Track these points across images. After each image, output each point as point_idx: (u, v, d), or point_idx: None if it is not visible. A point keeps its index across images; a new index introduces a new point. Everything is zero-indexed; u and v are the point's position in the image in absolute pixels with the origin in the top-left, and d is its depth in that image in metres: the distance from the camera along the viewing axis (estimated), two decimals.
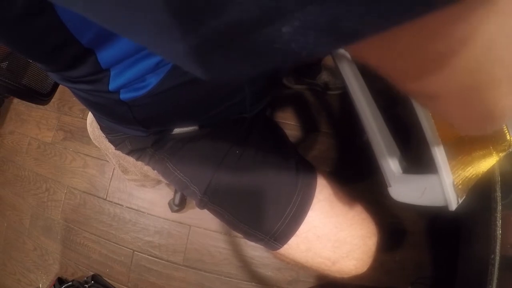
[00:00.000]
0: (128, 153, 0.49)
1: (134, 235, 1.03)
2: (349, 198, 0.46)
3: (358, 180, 0.94)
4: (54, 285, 1.01)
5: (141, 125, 0.40)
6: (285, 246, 0.43)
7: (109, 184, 1.08)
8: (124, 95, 0.33)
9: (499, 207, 0.48)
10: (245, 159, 0.44)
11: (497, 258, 0.47)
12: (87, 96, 0.36)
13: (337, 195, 0.45)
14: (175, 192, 0.98)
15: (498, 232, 0.48)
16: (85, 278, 1.00)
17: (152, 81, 0.31)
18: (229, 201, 0.45)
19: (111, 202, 1.07)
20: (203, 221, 0.99)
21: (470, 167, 0.30)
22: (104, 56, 0.28)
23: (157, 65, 0.30)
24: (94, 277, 1.00)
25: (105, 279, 1.01)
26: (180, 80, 0.32)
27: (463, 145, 0.31)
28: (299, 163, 0.46)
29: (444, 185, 0.28)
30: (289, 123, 1.02)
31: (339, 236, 0.43)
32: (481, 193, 0.55)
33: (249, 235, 0.46)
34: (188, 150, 0.45)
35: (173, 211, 0.98)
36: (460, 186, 0.29)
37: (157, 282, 0.99)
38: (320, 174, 0.46)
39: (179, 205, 0.97)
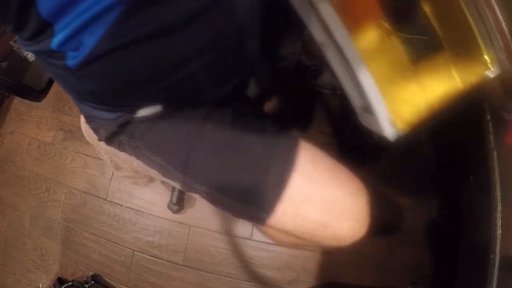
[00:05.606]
0: (107, 143, 0.48)
1: (134, 235, 1.03)
2: (333, 160, 0.45)
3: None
4: (54, 285, 1.01)
5: (98, 100, 0.42)
6: (273, 215, 0.41)
7: (109, 184, 1.08)
8: (69, 61, 0.34)
9: (499, 207, 0.48)
10: (220, 132, 0.43)
11: (497, 258, 0.47)
12: (46, 65, 0.38)
13: (320, 156, 0.44)
14: (172, 190, 0.98)
15: (498, 232, 0.48)
16: (85, 278, 1.00)
17: (89, 41, 0.32)
18: (211, 177, 0.44)
19: (111, 202, 1.07)
20: (203, 221, 1.00)
21: (414, 98, 0.34)
22: (44, 4, 0.28)
23: (92, 19, 0.30)
24: (94, 277, 1.00)
25: (105, 279, 1.01)
26: (117, 42, 0.32)
27: (406, 76, 0.34)
28: (279, 131, 0.44)
29: (381, 122, 0.34)
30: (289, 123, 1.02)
31: (327, 196, 0.41)
32: (481, 193, 0.55)
33: (237, 211, 0.45)
34: (158, 132, 0.44)
35: (173, 211, 0.98)
36: (402, 119, 0.34)
37: (157, 282, 0.99)
38: (301, 139, 0.45)
39: (177, 204, 0.97)
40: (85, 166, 1.11)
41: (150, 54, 0.35)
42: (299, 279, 0.92)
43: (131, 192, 1.06)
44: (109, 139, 0.47)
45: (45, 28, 0.31)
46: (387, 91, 0.33)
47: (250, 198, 0.42)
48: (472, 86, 0.33)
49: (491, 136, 0.50)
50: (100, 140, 0.49)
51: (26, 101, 1.24)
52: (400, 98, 0.34)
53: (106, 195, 1.07)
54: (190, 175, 0.44)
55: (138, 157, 0.48)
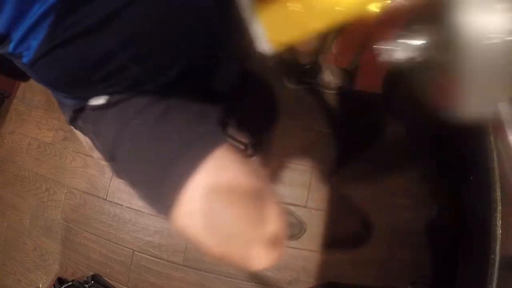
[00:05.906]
0: (73, 126, 0.52)
1: (134, 235, 1.03)
2: (252, 177, 0.40)
3: (357, 181, 0.94)
4: (54, 285, 1.01)
5: (57, 89, 0.47)
6: (170, 220, 0.40)
7: (109, 184, 1.08)
8: (24, 60, 0.39)
9: (499, 207, 0.48)
10: (144, 126, 0.43)
11: (497, 258, 0.47)
12: (21, 67, 0.42)
13: (231, 169, 0.40)
14: None
15: (498, 232, 0.48)
16: (85, 278, 1.00)
17: (34, 44, 0.37)
18: (127, 169, 0.45)
19: (111, 202, 1.07)
20: None
21: (292, 20, 0.39)
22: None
23: (34, 25, 0.35)
24: (94, 277, 1.00)
25: (105, 279, 1.01)
26: (54, 43, 0.37)
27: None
28: (205, 131, 0.43)
29: (257, 39, 0.40)
30: (289, 123, 1.02)
31: (216, 217, 0.37)
32: (481, 193, 0.55)
33: (153, 209, 0.44)
34: (102, 120, 0.47)
35: None
36: (277, 38, 0.40)
37: (157, 282, 0.99)
38: (224, 145, 0.41)
39: None
40: (85, 166, 1.11)
41: (78, 51, 0.38)
42: (299, 279, 0.92)
43: (131, 192, 1.06)
44: (71, 123, 0.51)
45: (4, 37, 0.38)
46: (264, 13, 0.38)
47: (155, 198, 0.42)
48: (353, 16, 0.36)
49: (491, 136, 0.50)
50: (68, 123, 0.53)
51: (26, 101, 1.25)
52: (277, 20, 0.39)
53: (106, 195, 1.07)
54: (116, 164, 0.45)
55: (91, 142, 0.50)
